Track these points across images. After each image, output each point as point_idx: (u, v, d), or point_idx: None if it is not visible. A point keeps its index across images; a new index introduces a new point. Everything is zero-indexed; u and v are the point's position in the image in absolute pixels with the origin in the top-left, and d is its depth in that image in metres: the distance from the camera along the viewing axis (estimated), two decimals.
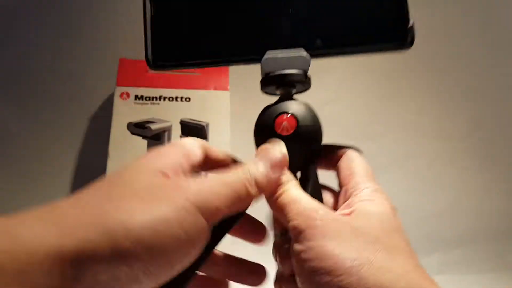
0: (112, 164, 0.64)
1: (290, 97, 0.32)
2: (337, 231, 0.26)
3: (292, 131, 0.30)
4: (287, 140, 0.29)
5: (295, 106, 0.31)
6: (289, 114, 0.30)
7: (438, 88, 0.77)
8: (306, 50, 0.30)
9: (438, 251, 0.73)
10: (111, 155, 0.64)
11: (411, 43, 0.31)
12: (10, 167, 0.74)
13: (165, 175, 0.25)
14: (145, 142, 0.63)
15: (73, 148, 0.75)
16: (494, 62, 0.78)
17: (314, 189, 0.30)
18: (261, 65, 0.31)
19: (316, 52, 0.31)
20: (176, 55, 0.32)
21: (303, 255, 0.25)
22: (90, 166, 0.73)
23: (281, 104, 0.31)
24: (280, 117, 0.30)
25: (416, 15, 0.76)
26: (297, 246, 0.26)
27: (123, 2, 0.73)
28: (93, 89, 0.74)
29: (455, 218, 0.76)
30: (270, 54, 0.30)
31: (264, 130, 0.30)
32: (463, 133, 0.77)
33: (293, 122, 0.30)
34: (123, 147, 0.64)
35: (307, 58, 0.30)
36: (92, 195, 0.24)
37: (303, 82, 0.31)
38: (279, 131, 0.30)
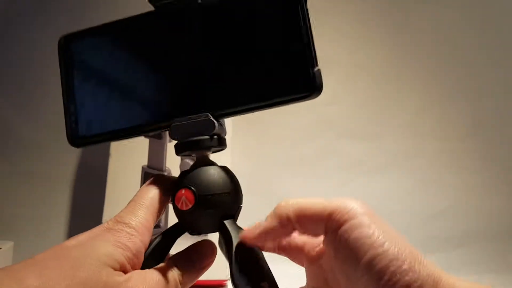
0: (113, 162, 0.64)
1: (206, 160, 0.33)
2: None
3: (191, 205, 0.30)
4: (189, 213, 0.30)
5: (197, 177, 0.31)
6: (187, 189, 0.30)
7: (438, 89, 0.78)
8: (213, 112, 0.31)
9: (438, 252, 0.73)
10: (112, 153, 0.64)
11: (318, 90, 0.29)
12: (11, 165, 0.75)
13: (120, 273, 0.27)
14: (146, 140, 0.64)
15: None
16: (494, 62, 0.78)
17: (250, 252, 0.30)
18: (168, 133, 0.32)
19: (222, 113, 0.31)
20: (93, 133, 0.34)
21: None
22: (92, 165, 0.74)
23: (185, 175, 0.32)
24: (179, 192, 0.30)
25: (417, 16, 0.77)
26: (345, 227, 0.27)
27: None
28: None
29: (455, 218, 0.76)
30: (176, 122, 0.31)
31: (172, 205, 0.31)
32: (463, 133, 0.77)
33: (191, 196, 0.30)
34: (125, 145, 0.64)
35: (213, 122, 0.31)
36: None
37: (215, 145, 0.32)
38: (179, 206, 0.30)
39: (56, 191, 0.74)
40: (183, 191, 0.30)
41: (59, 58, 0.35)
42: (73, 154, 0.75)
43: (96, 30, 0.34)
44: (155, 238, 0.32)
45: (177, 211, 0.31)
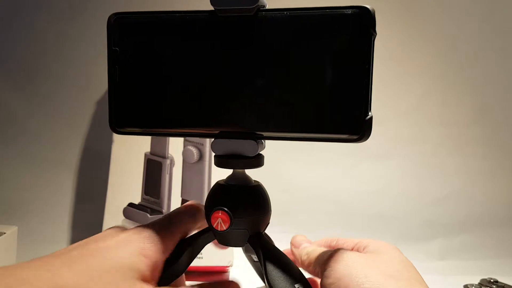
0: (116, 149, 0.64)
1: (242, 177, 0.34)
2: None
3: (227, 226, 0.31)
4: (224, 233, 0.32)
5: (234, 199, 0.32)
6: (223, 212, 0.31)
7: (442, 74, 0.77)
8: (257, 132, 0.31)
9: (440, 237, 0.74)
10: (115, 140, 0.64)
11: (365, 137, 0.29)
12: (15, 151, 0.75)
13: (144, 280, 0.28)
14: None
15: (79, 132, 0.75)
16: (499, 48, 0.77)
17: (280, 259, 0.32)
18: (211, 147, 0.32)
19: (265, 136, 0.31)
20: (137, 124, 0.33)
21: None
22: (95, 150, 0.74)
23: (222, 194, 0.33)
24: (215, 213, 0.31)
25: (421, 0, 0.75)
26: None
27: None
28: (98, 74, 0.74)
29: (458, 204, 0.76)
30: (220, 137, 0.31)
31: (206, 219, 0.33)
32: (468, 119, 0.77)
33: (227, 219, 0.31)
34: None
35: (255, 144, 0.31)
36: None
37: (253, 166, 0.33)
38: (214, 226, 0.31)
39: (60, 177, 0.75)
40: (219, 213, 0.31)
41: (107, 37, 0.32)
42: (77, 140, 0.75)
43: (150, 15, 0.32)
44: (184, 241, 0.33)
45: (212, 228, 0.32)
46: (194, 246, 0.34)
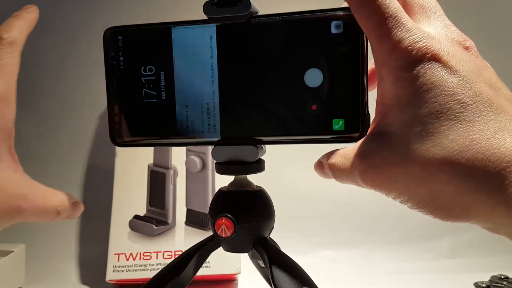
0: (119, 162, 0.64)
1: (244, 182, 0.34)
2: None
3: (231, 232, 0.31)
4: (229, 240, 0.32)
5: (237, 205, 0.33)
6: (227, 218, 0.31)
7: None
8: (257, 137, 0.31)
9: (448, 235, 0.73)
10: (118, 153, 0.65)
11: (365, 134, 0.29)
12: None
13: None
14: None
15: (82, 148, 0.75)
16: (495, 42, 0.77)
17: (286, 263, 0.32)
18: (211, 154, 0.32)
19: (265, 140, 0.31)
20: (138, 135, 0.33)
21: None
22: (99, 165, 0.74)
23: (225, 200, 0.33)
24: (219, 220, 0.32)
25: None
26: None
27: (128, 4, 0.74)
28: (99, 90, 0.74)
29: None
30: (220, 143, 0.31)
31: (211, 227, 0.33)
32: None
33: (231, 226, 0.31)
34: None
35: (256, 150, 0.31)
36: None
37: (255, 171, 0.33)
38: (219, 233, 0.32)
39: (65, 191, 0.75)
40: (223, 220, 0.31)
41: (104, 51, 0.33)
42: (80, 156, 0.75)
43: (145, 28, 0.32)
44: (190, 251, 0.34)
45: (216, 235, 0.32)
46: (199, 254, 0.34)
